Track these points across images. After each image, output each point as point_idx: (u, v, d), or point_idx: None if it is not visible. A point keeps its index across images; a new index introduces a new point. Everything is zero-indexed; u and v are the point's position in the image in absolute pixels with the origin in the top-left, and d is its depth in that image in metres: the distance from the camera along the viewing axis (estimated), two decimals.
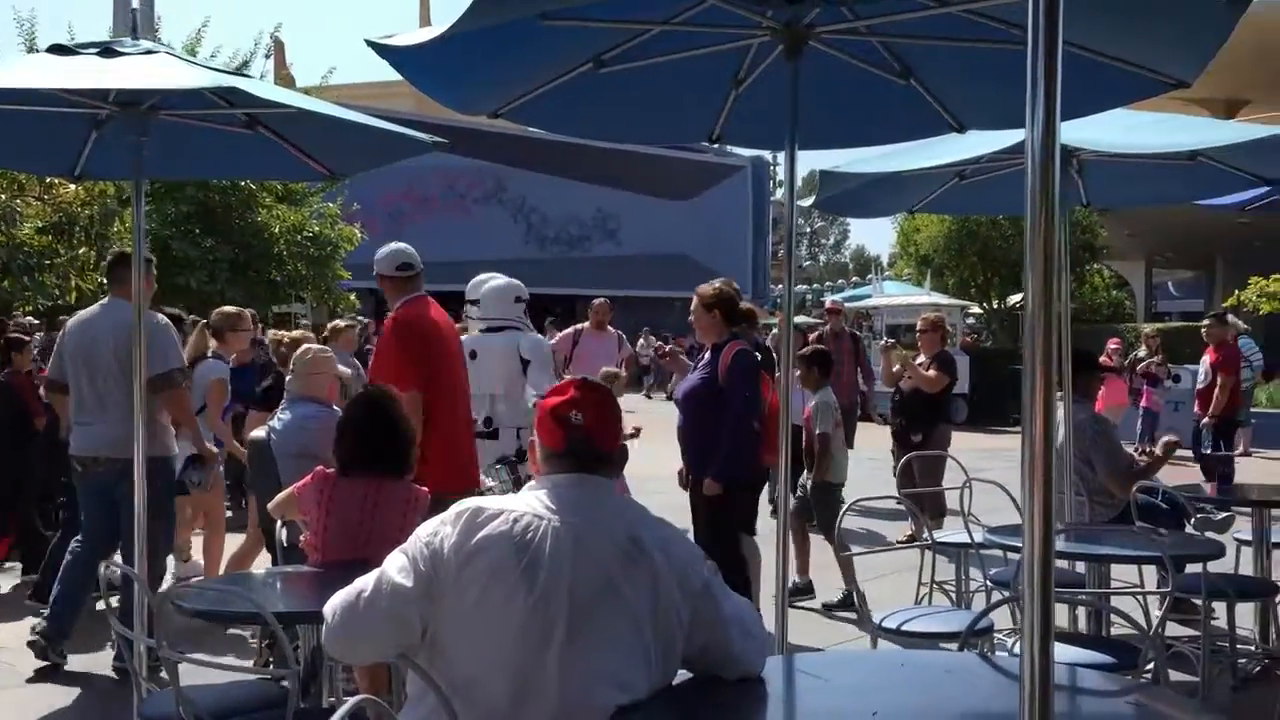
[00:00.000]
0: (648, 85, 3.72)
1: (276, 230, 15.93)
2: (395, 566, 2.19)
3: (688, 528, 5.70)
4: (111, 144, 4.32)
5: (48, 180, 12.10)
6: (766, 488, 6.25)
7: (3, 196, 12.05)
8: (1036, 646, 1.47)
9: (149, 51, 3.75)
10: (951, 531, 5.65)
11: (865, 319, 22.18)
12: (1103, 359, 10.39)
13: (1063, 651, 3.60)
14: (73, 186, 12.32)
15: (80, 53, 3.61)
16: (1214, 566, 4.57)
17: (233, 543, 6.44)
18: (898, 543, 7.15)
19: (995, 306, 24.46)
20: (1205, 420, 10.72)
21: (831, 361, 7.10)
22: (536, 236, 38.47)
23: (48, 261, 12.25)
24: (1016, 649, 2.93)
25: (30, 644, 5.21)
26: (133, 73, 3.54)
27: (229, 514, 7.24)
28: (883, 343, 9.05)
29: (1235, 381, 10.91)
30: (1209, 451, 10.54)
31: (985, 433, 16.13)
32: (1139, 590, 4.77)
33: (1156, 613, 3.77)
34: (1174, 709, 2.30)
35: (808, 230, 73.17)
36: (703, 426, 5.43)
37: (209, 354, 6.90)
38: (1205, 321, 11.47)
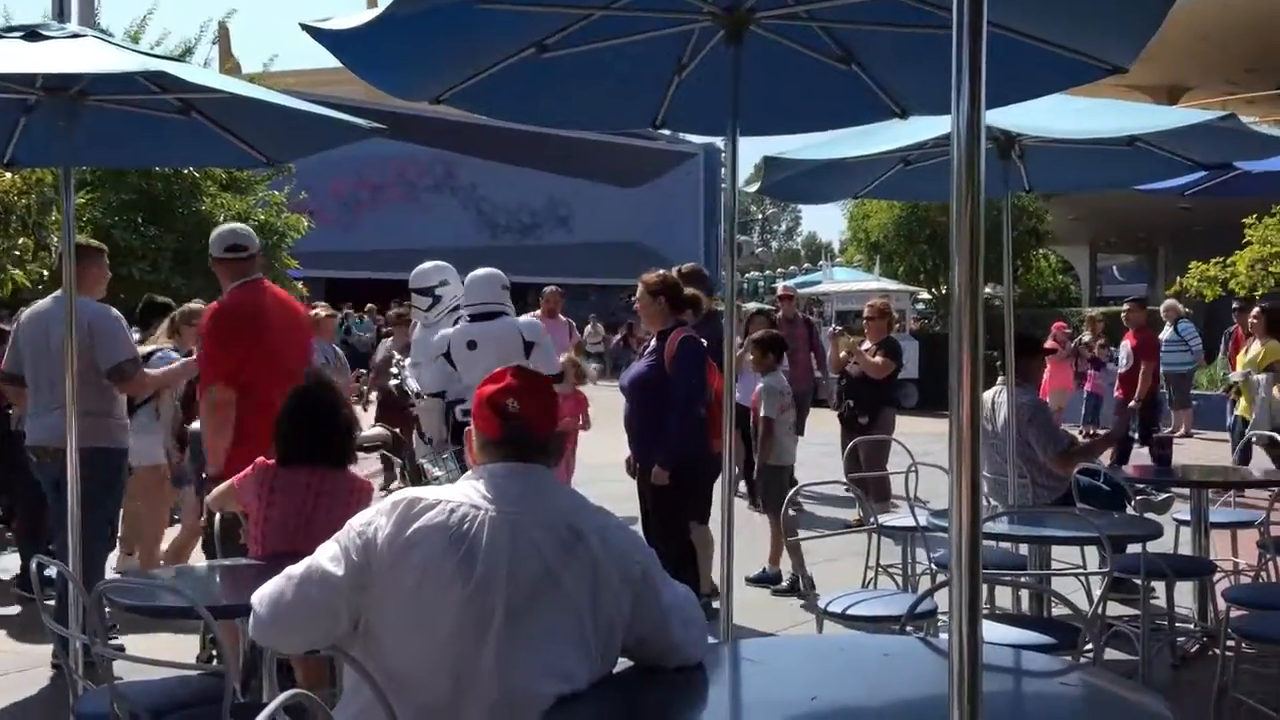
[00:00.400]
0: (591, 71, 3.70)
1: (221, 219, 15.69)
2: (326, 555, 2.16)
3: (636, 516, 5.71)
4: (41, 130, 4.23)
5: None
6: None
7: None
8: (964, 627, 1.47)
9: (75, 35, 3.66)
10: (899, 515, 5.69)
11: (816, 305, 22.29)
12: (1049, 343, 10.54)
13: (1003, 632, 3.66)
14: (9, 175, 12.03)
15: (4, 36, 3.51)
16: (1153, 547, 4.63)
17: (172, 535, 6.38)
18: (846, 527, 7.20)
19: (944, 292, 24.70)
20: (1132, 404, 11.01)
21: (784, 346, 7.13)
22: (488, 224, 38.27)
23: None
24: None
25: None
26: (57, 57, 3.46)
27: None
28: (830, 330, 9.10)
29: (1155, 365, 11.23)
30: (1134, 434, 10.83)
31: (935, 417, 16.26)
32: (1079, 571, 4.84)
33: (1099, 593, 3.83)
34: (1111, 687, 2.33)
35: (759, 217, 73.41)
36: (650, 414, 5.43)
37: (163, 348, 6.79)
38: (1125, 306, 11.76)
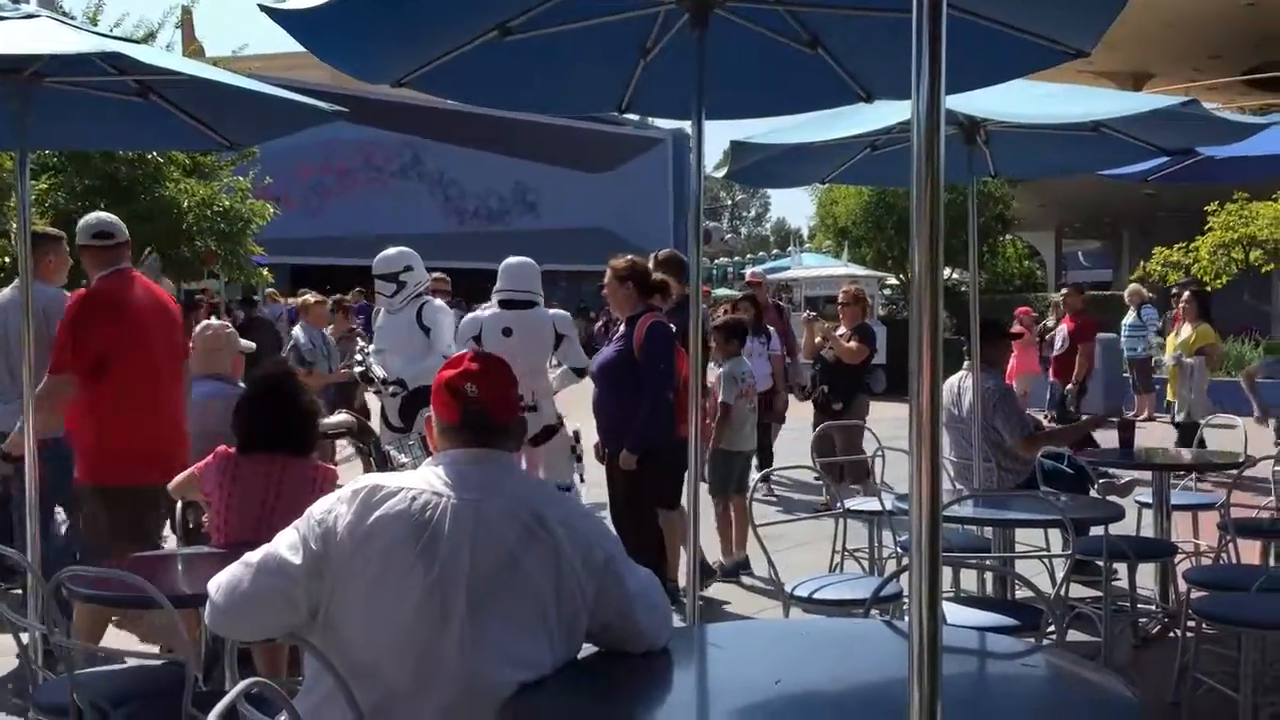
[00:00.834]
0: (555, 54, 3.66)
1: (185, 205, 15.51)
2: (285, 544, 2.13)
3: (604, 502, 5.70)
4: None
5: None
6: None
7: None
8: (924, 609, 1.47)
9: (31, 16, 3.60)
10: (864, 500, 5.72)
11: (785, 291, 22.33)
12: (1015, 328, 10.62)
13: (967, 615, 3.68)
14: None
15: None
16: (1116, 529, 4.68)
17: None
18: (813, 512, 7.22)
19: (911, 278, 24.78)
20: (1070, 387, 11.32)
21: (746, 332, 7.14)
22: (455, 210, 38.08)
23: None
24: None
25: None
26: (11, 37, 3.39)
27: None
28: (804, 315, 9.12)
29: (1091, 347, 11.59)
30: (1074, 410, 11.16)
31: (901, 402, 16.32)
32: (1042, 554, 4.88)
33: (1062, 575, 3.86)
34: (1073, 667, 2.35)
35: (729, 203, 73.41)
36: (618, 399, 5.42)
37: None
38: (1063, 292, 12.01)
